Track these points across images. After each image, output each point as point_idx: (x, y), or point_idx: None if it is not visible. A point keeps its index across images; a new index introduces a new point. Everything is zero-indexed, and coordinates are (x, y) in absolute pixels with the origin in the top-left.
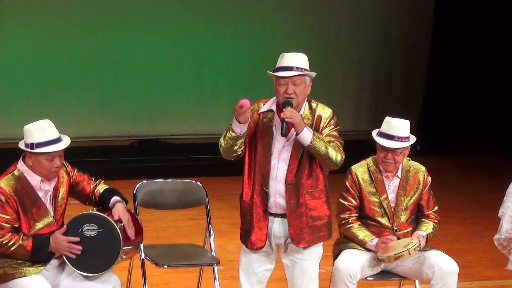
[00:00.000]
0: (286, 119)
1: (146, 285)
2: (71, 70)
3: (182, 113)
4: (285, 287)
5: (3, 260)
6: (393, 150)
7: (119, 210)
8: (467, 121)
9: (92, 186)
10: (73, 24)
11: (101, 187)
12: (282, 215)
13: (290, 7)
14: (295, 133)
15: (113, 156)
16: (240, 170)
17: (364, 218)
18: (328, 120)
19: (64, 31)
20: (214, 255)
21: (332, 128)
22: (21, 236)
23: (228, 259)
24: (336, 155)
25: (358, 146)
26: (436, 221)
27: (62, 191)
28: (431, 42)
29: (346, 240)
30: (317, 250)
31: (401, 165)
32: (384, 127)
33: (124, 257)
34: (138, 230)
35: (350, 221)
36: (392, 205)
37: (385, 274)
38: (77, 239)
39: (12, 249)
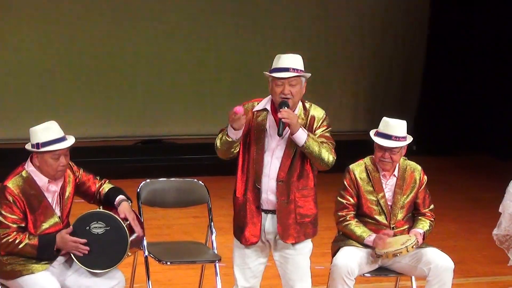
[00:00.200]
0: (283, 120)
1: (150, 281)
2: (77, 73)
3: (184, 115)
4: (279, 285)
5: (11, 257)
6: (390, 150)
7: (125, 208)
8: (462, 121)
9: (97, 185)
10: (78, 28)
11: (106, 186)
12: (273, 212)
13: (291, 9)
14: (289, 132)
15: (118, 156)
16: None
17: (362, 216)
18: (321, 121)
19: (70, 35)
20: (216, 252)
21: (325, 129)
22: (28, 235)
23: (230, 256)
24: (328, 156)
25: (356, 146)
26: (432, 219)
27: (68, 190)
28: (427, 44)
29: (344, 238)
30: (306, 245)
31: (398, 164)
32: (382, 127)
33: (129, 254)
34: (141, 227)
35: (347, 219)
36: (389, 203)
37: (382, 271)
38: (84, 240)
39: (19, 247)
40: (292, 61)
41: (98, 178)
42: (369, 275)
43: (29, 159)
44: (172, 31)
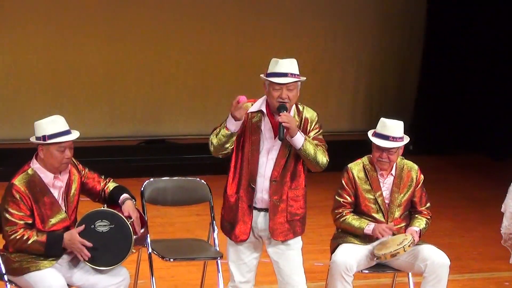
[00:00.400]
0: (283, 124)
1: (154, 277)
2: (82, 74)
3: (187, 115)
4: (274, 281)
5: (19, 254)
6: (387, 150)
7: (129, 207)
8: (458, 122)
9: (102, 184)
10: (82, 27)
11: (111, 185)
12: (266, 210)
13: (291, 13)
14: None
15: (122, 156)
16: None
17: (360, 214)
18: (314, 123)
19: (75, 36)
20: (218, 249)
21: (317, 132)
22: (36, 232)
23: None
24: (323, 159)
25: (354, 146)
26: (429, 217)
27: (74, 187)
28: (423, 47)
29: (343, 235)
30: (297, 241)
31: (395, 163)
32: (379, 128)
33: (134, 251)
34: (142, 225)
35: (344, 214)
36: (387, 201)
37: (379, 267)
38: (90, 244)
39: (28, 243)
40: (289, 66)
41: (103, 177)
42: (367, 271)
43: (34, 157)
44: (176, 32)
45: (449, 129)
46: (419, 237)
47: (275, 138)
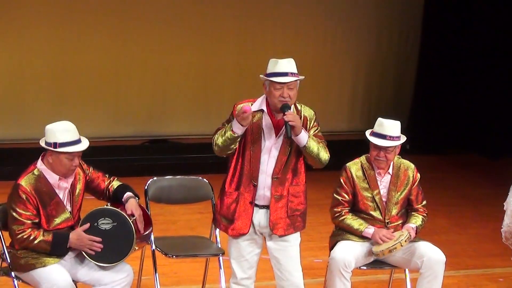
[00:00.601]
0: (289, 123)
1: (157, 274)
2: (87, 75)
3: (190, 115)
4: (273, 277)
5: (25, 251)
6: (385, 149)
7: (132, 205)
8: (454, 122)
9: (106, 183)
10: (87, 31)
11: (115, 184)
12: (266, 207)
13: (291, 15)
14: (284, 132)
15: (126, 155)
16: None
17: (358, 212)
18: (313, 121)
19: (79, 38)
20: (220, 246)
21: (316, 129)
22: (42, 232)
23: None
24: (325, 155)
25: (353, 145)
26: (425, 215)
27: (79, 187)
28: (419, 48)
29: (342, 232)
30: (297, 237)
31: (392, 162)
32: (377, 127)
33: (137, 248)
34: (148, 223)
35: (342, 214)
36: (384, 199)
37: (377, 264)
38: (99, 239)
39: (35, 242)
40: (289, 66)
41: (107, 176)
42: (365, 267)
43: (40, 158)
44: (178, 33)
45: (446, 128)
46: (416, 233)
47: (276, 136)
